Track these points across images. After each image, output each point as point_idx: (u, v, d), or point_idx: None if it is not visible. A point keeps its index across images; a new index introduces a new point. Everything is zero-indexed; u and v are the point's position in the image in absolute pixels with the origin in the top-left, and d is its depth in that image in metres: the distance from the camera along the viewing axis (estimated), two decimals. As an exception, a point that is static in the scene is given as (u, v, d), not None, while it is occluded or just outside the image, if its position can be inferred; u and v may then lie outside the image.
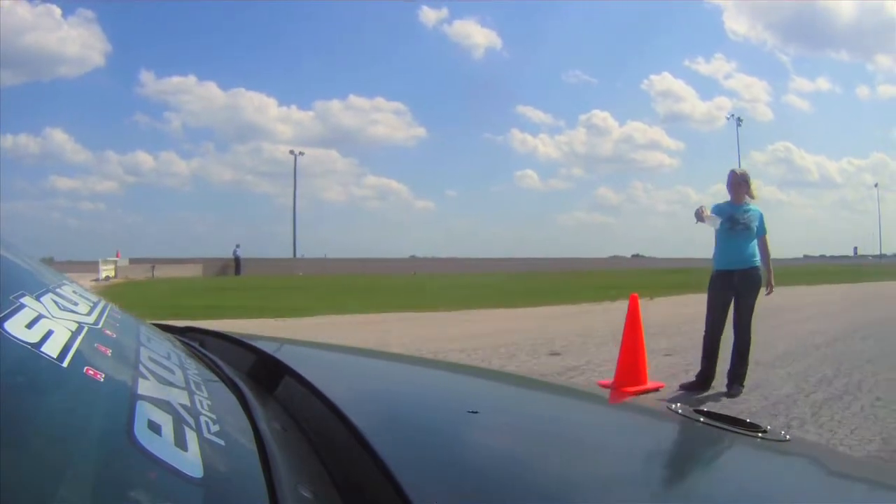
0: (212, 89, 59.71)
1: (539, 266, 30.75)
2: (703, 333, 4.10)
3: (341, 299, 12.18)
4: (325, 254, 39.48)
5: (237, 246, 29.43)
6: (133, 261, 26.18)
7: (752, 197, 4.11)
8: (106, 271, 21.84)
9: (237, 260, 28.45)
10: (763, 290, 4.03)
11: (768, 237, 4.15)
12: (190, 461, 0.39)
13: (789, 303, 11.03)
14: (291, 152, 40.50)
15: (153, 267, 24.17)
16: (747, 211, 4.04)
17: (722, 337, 4.05)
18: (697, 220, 3.92)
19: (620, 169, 72.35)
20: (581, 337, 6.54)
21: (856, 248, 68.10)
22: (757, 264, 4.00)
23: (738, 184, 4.07)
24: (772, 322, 7.76)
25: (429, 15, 64.60)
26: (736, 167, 4.19)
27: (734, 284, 3.97)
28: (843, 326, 7.50)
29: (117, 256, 25.12)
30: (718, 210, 4.06)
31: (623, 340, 4.07)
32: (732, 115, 44.99)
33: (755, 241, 4.03)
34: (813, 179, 72.79)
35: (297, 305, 10.21)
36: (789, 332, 7.04)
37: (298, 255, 36.85)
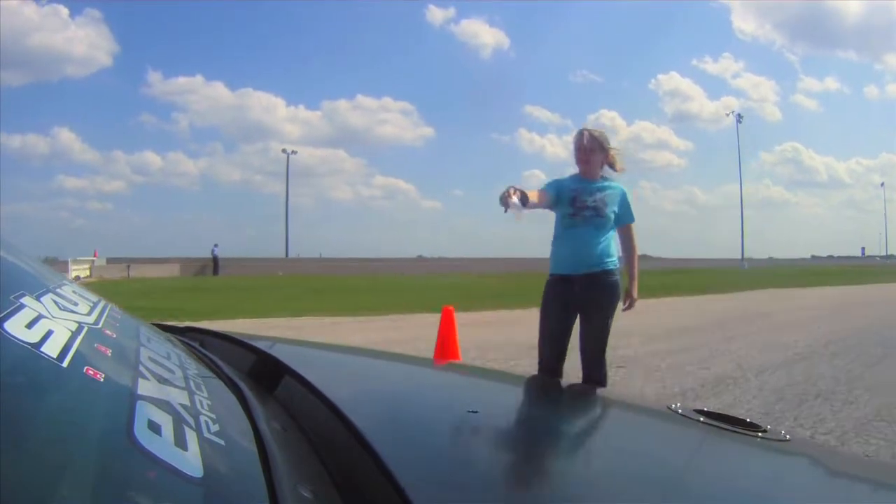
0: (219, 89, 60.36)
1: (543, 266, 30.75)
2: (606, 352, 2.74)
3: (279, 301, 11.48)
4: (320, 253, 39.46)
5: (215, 245, 29.09)
6: (110, 260, 25.85)
7: (614, 168, 2.84)
8: (77, 271, 21.47)
9: (215, 259, 28.14)
10: (621, 304, 2.76)
11: (635, 228, 2.86)
12: (190, 461, 0.39)
13: (769, 307, 10.12)
14: (284, 151, 40.37)
15: (128, 267, 23.76)
16: (602, 189, 2.74)
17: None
18: (505, 209, 2.39)
19: (628, 168, 72.84)
20: (476, 350, 5.29)
21: (863, 249, 68.48)
22: (611, 267, 2.71)
23: (590, 150, 2.74)
24: (732, 332, 6.87)
25: (435, 14, 64.82)
26: (589, 125, 2.86)
27: (576, 296, 2.67)
28: (815, 338, 6.33)
29: (95, 256, 24.81)
30: (557, 187, 2.75)
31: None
32: (732, 112, 45.05)
33: (611, 234, 2.75)
34: (821, 180, 73.13)
35: (223, 307, 9.85)
36: (743, 345, 5.87)
37: (295, 255, 36.76)
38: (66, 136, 56.22)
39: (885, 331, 6.97)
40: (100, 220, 55.62)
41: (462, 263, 31.36)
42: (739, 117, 43.60)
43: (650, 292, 12.69)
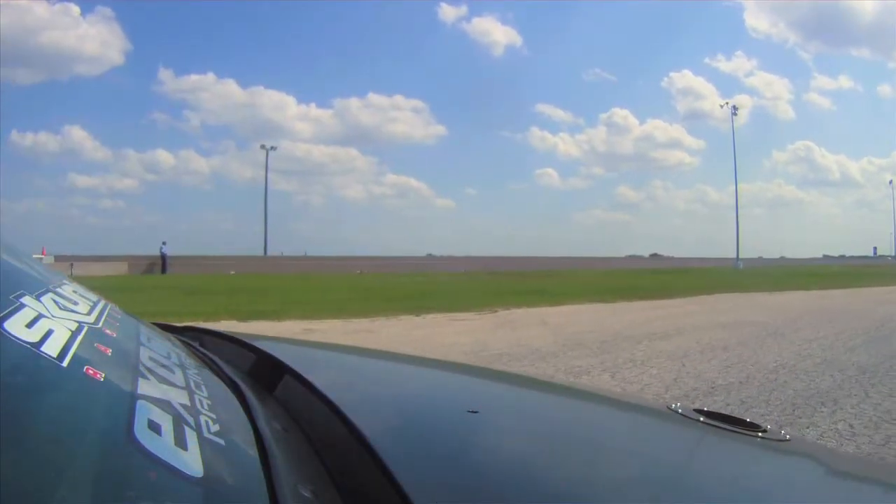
0: (231, 87, 59.95)
1: (548, 265, 30.75)
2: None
3: (151, 302, 10.34)
4: (305, 251, 39.22)
5: (163, 243, 28.31)
6: (58, 258, 24.68)
7: None
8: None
9: (163, 258, 27.44)
10: None
11: None
12: (190, 461, 0.39)
13: (694, 321, 8.19)
14: (263, 147, 39.82)
15: (72, 265, 22.49)
16: None
17: None
18: None
19: (640, 167, 72.72)
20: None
21: (875, 248, 68.73)
22: None
23: None
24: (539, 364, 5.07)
25: (447, 12, 64.67)
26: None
27: None
28: (682, 386, 4.28)
29: (43, 254, 24.14)
30: None
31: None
32: (727, 103, 44.87)
33: None
34: (834, 178, 72.95)
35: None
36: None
37: (277, 253, 36.40)
38: (78, 135, 56.17)
39: (773, 391, 4.17)
40: (112, 218, 55.43)
41: (460, 262, 31.33)
42: (735, 109, 43.52)
43: (601, 296, 12.13)
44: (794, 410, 3.65)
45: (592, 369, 5.02)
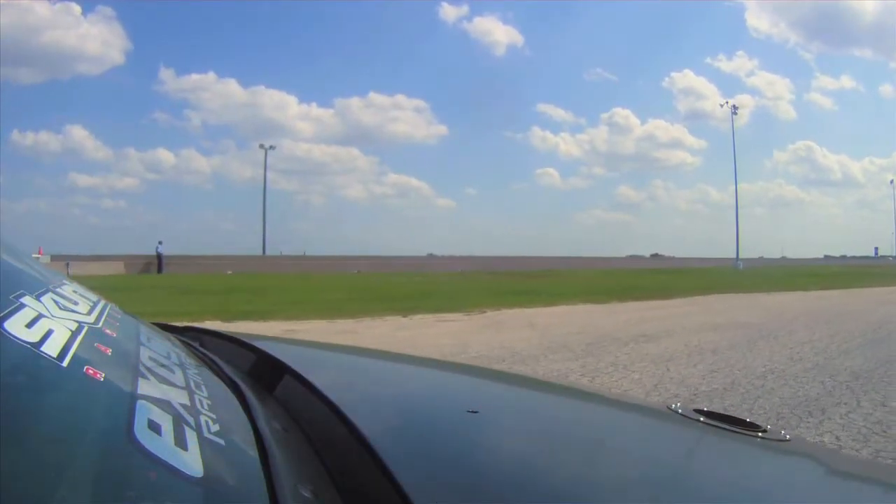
0: (232, 87, 59.80)
1: (548, 265, 30.77)
2: None
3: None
4: (304, 251, 39.17)
5: (159, 243, 28.22)
6: (55, 258, 24.49)
7: None
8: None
9: (159, 257, 27.33)
10: None
11: None
12: (190, 461, 0.39)
13: (677, 323, 7.82)
14: (261, 146, 39.67)
15: (68, 265, 22.47)
16: None
17: None
18: None
19: (642, 167, 72.61)
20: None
21: (876, 249, 68.98)
22: None
23: None
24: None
25: (448, 12, 64.58)
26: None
27: None
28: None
29: (39, 253, 24.01)
30: None
31: None
32: (727, 103, 44.93)
33: None
34: (835, 179, 72.80)
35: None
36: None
37: (276, 252, 36.48)
38: (79, 134, 56.13)
39: (758, 399, 3.99)
40: (112, 218, 55.29)
41: (461, 262, 31.33)
42: (735, 109, 43.65)
43: (597, 297, 11.98)
44: (778, 420, 3.43)
45: (571, 373, 4.79)
